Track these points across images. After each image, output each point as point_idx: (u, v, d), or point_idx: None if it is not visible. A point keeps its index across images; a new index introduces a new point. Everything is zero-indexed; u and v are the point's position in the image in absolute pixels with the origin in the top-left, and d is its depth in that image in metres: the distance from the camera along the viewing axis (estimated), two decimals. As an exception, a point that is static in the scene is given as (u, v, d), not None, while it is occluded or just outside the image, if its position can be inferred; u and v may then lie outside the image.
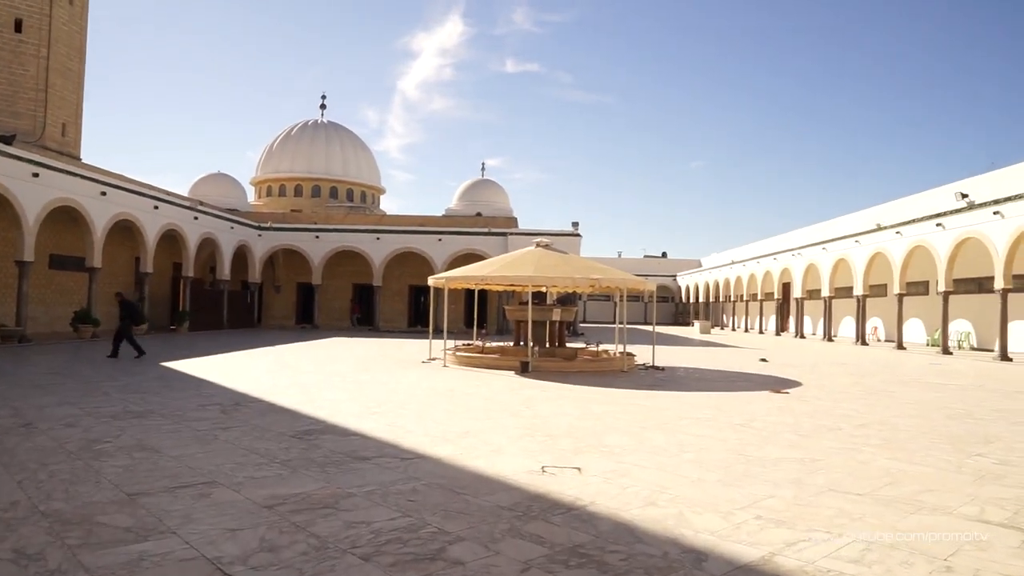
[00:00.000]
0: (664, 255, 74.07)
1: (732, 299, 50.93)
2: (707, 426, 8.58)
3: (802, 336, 37.58)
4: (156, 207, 27.20)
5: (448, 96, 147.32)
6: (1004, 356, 21.16)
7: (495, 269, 17.17)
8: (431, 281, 18.64)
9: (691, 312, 61.33)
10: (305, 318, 38.88)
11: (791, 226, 48.56)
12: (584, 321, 53.72)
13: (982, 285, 25.33)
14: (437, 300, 21.07)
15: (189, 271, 30.06)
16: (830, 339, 33.57)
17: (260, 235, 36.91)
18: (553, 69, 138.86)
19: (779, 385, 13.40)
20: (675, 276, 66.05)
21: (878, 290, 32.18)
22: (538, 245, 18.15)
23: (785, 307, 43.16)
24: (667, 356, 19.91)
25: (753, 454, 6.90)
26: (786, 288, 41.72)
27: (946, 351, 24.12)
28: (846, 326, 36.83)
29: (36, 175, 20.54)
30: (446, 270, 28.12)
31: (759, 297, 45.37)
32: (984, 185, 23.21)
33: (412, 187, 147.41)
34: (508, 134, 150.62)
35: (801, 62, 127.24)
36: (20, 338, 19.93)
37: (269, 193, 48.88)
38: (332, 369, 15.23)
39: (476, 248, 36.04)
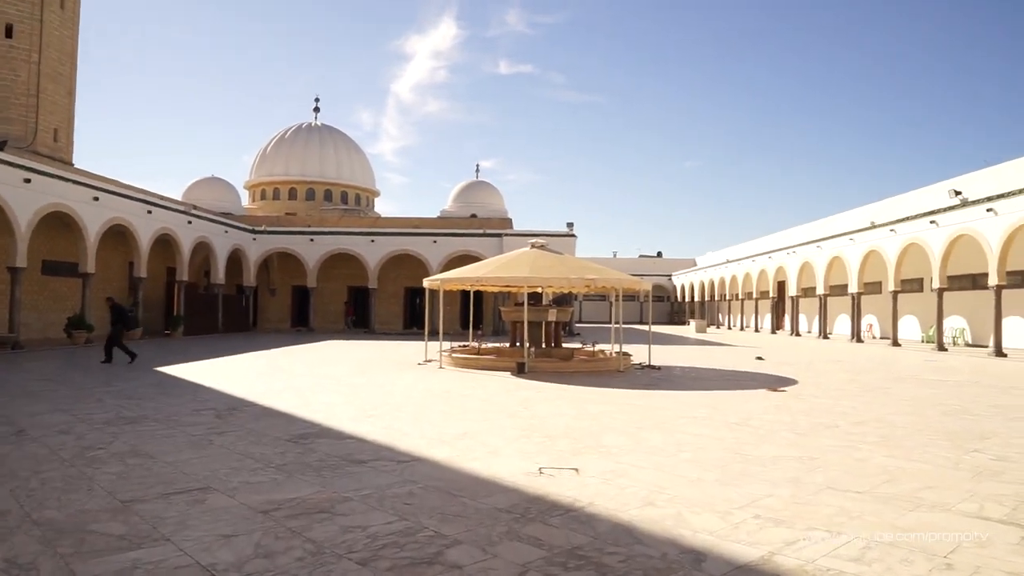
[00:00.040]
0: (659, 255, 74.19)
1: (728, 298, 51.00)
2: (704, 425, 8.56)
3: (798, 334, 37.64)
4: (149, 212, 27.09)
5: (442, 98, 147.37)
6: (999, 352, 21.22)
7: (490, 270, 17.14)
8: (426, 283, 18.59)
9: (687, 311, 61.38)
10: (300, 321, 38.79)
11: (786, 224, 48.69)
12: (580, 321, 53.70)
13: (976, 281, 25.41)
14: (432, 302, 21.00)
15: (183, 275, 29.95)
16: (825, 337, 33.63)
17: (254, 239, 36.81)
18: (546, 70, 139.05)
19: (776, 383, 13.39)
20: (670, 275, 66.10)
21: (873, 287, 32.25)
22: (533, 246, 18.13)
23: (780, 305, 43.22)
24: (663, 355, 19.89)
25: (751, 453, 6.88)
26: (781, 286, 41.79)
27: (941, 348, 24.18)
28: (841, 323, 36.91)
29: (28, 181, 20.44)
30: (441, 272, 28.08)
31: (754, 295, 45.43)
32: (977, 182, 23.29)
33: (407, 189, 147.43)
34: (502, 135, 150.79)
35: (795, 61, 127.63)
36: (13, 345, 19.82)
37: (263, 196, 48.78)
38: (327, 372, 15.17)
39: (471, 250, 36.00)
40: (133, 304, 26.87)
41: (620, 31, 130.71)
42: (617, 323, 19.44)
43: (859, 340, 30.60)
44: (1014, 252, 21.66)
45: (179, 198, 37.83)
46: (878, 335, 33.71)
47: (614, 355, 17.45)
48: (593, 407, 10.12)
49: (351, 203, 49.02)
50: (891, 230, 27.47)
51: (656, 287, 61.29)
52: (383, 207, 65.66)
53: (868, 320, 34.17)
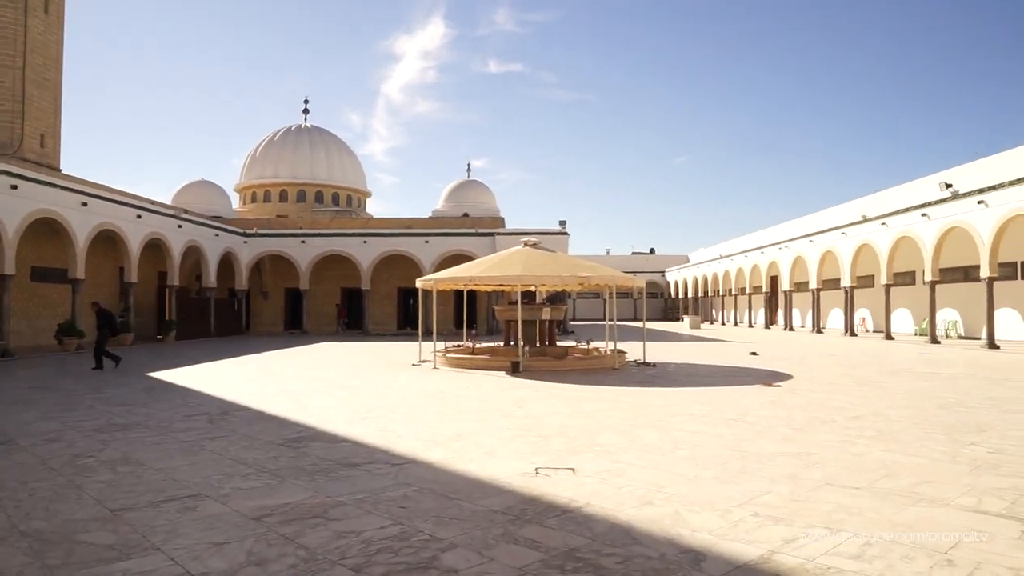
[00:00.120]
0: (652, 251, 74.20)
1: (721, 293, 51.08)
2: (700, 422, 8.52)
3: (791, 329, 37.71)
4: (139, 216, 26.92)
5: (432, 98, 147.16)
6: (991, 344, 21.28)
7: (483, 270, 17.08)
8: (419, 283, 18.52)
9: (680, 307, 61.47)
10: (294, 324, 38.63)
11: (778, 219, 48.81)
12: (574, 319, 53.67)
13: (968, 274, 25.49)
14: (426, 302, 20.95)
15: (174, 280, 29.77)
16: (819, 331, 33.70)
17: (246, 242, 36.64)
18: (536, 69, 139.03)
19: (770, 378, 13.39)
20: (663, 272, 66.16)
21: (865, 281, 32.34)
22: (526, 244, 18.07)
23: (773, 300, 43.31)
24: (658, 352, 19.88)
25: (748, 449, 6.85)
26: (774, 281, 41.87)
27: (934, 340, 24.24)
28: (834, 318, 37.00)
29: (15, 187, 20.26)
30: (434, 272, 27.98)
31: (747, 291, 45.52)
32: (968, 175, 23.33)
33: (398, 190, 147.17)
34: (493, 135, 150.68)
35: (785, 57, 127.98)
36: (3, 352, 19.63)
37: (254, 199, 48.55)
38: (321, 375, 15.08)
39: (464, 249, 35.91)
40: (124, 309, 26.68)
41: (609, 29, 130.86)
42: (611, 320, 19.42)
43: (852, 334, 30.67)
44: (1005, 244, 21.73)
45: (169, 202, 37.56)
46: (871, 329, 33.80)
47: (609, 353, 17.42)
48: (588, 405, 10.07)
49: (342, 204, 48.86)
50: (882, 223, 27.54)
51: (649, 284, 61.48)
52: (375, 208, 65.56)
53: (861, 314, 34.25)
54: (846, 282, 30.73)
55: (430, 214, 46.47)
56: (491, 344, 20.65)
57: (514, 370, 14.92)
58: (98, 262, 26.91)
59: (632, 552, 4.02)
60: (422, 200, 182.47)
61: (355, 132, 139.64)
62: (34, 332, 24.27)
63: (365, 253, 36.56)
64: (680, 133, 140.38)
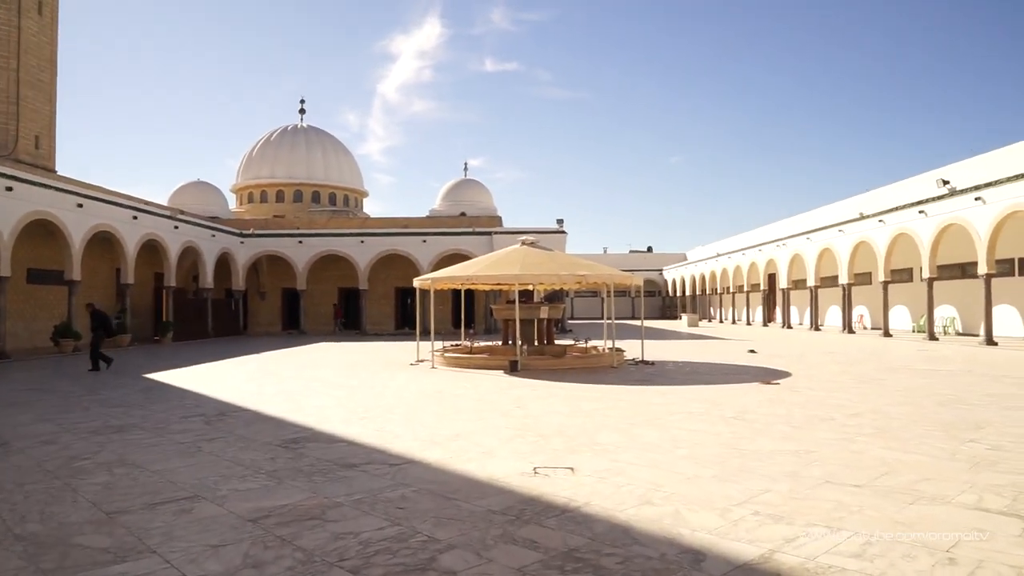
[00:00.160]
0: (649, 249, 74.19)
1: (719, 291, 51.09)
2: (699, 420, 8.50)
3: (789, 326, 37.72)
4: (135, 217, 26.84)
5: (428, 97, 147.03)
6: (989, 340, 21.28)
7: (481, 268, 17.04)
8: (417, 283, 18.48)
9: (678, 305, 61.45)
10: (291, 324, 38.57)
11: (775, 217, 48.76)
12: (572, 318, 53.66)
13: (966, 271, 25.50)
14: (424, 302, 20.91)
15: (171, 281, 29.68)
16: (817, 328, 33.71)
17: (242, 242, 36.56)
18: (532, 67, 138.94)
19: (769, 376, 13.37)
20: (661, 270, 66.16)
21: (863, 278, 32.34)
22: (523, 243, 18.05)
23: (771, 298, 43.31)
24: (656, 350, 19.85)
25: (747, 447, 6.82)
26: (772, 279, 41.88)
27: (932, 337, 24.25)
28: (832, 315, 37.01)
29: (10, 189, 20.17)
30: (432, 271, 27.93)
31: (745, 289, 45.52)
32: (965, 171, 23.33)
33: (395, 189, 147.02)
34: (489, 134, 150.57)
35: (779, 56, 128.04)
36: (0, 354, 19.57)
37: (250, 200, 48.46)
38: (318, 375, 15.04)
39: (461, 248, 35.87)
40: (121, 311, 26.61)
41: (604, 27, 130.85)
42: (609, 319, 19.39)
43: (850, 331, 30.68)
44: (1003, 240, 21.72)
45: (165, 203, 37.48)
46: (869, 326, 33.81)
47: (607, 351, 17.40)
48: (587, 404, 10.05)
49: (339, 204, 48.78)
50: (880, 220, 27.54)
51: (647, 282, 61.48)
52: (372, 207, 65.48)
53: (859, 311, 34.27)
54: (844, 279, 30.74)
55: (427, 213, 46.42)
56: (489, 343, 20.62)
57: (512, 369, 14.89)
58: (94, 264, 26.82)
59: (632, 552, 3.99)
60: (419, 200, 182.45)
61: (352, 132, 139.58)
62: (30, 334, 24.19)
63: (362, 253, 36.51)
64: (675, 132, 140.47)
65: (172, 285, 29.76)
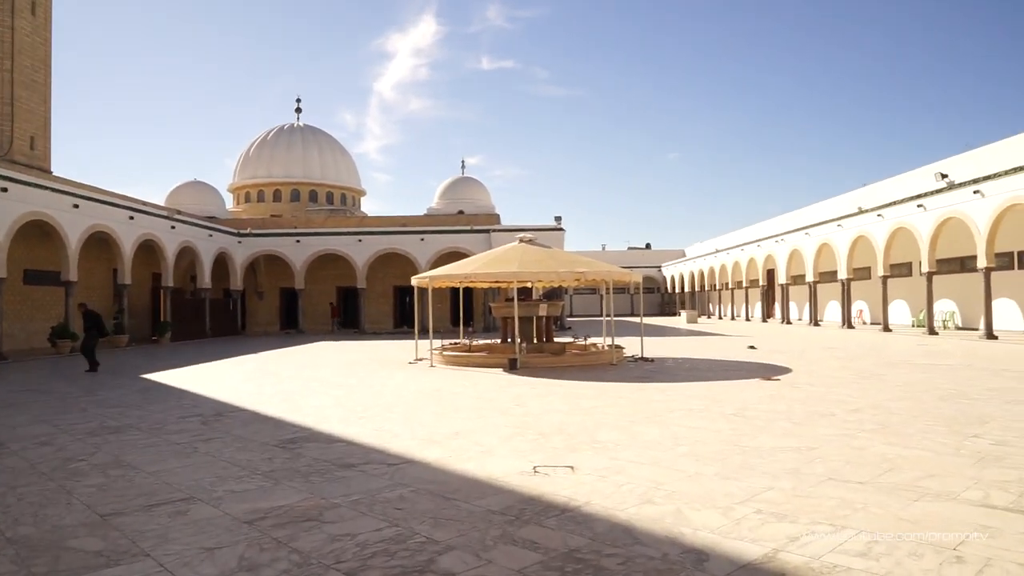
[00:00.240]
0: (648, 246, 74.12)
1: (718, 287, 51.06)
2: (700, 417, 8.44)
3: (788, 322, 37.69)
4: (132, 218, 26.72)
5: (425, 96, 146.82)
6: (989, 334, 21.25)
7: (479, 266, 16.97)
8: (415, 281, 18.40)
9: (677, 302, 61.41)
10: (290, 323, 38.50)
11: (772, 212, 48.77)
12: (571, 315, 53.62)
13: (965, 264, 25.46)
14: (422, 300, 20.81)
15: (169, 281, 29.57)
16: (816, 324, 33.67)
17: (240, 242, 36.46)
18: (528, 65, 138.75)
19: (769, 372, 13.31)
20: (660, 267, 66.12)
21: (862, 273, 32.29)
22: (521, 241, 17.98)
23: (770, 293, 43.27)
24: (655, 347, 19.80)
25: (748, 444, 6.76)
26: (771, 274, 41.84)
27: (932, 331, 24.22)
28: (831, 310, 36.96)
29: (5, 189, 20.07)
30: (430, 269, 27.87)
31: (744, 284, 45.47)
32: (963, 165, 23.28)
33: (393, 188, 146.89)
34: (486, 131, 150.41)
35: (775, 52, 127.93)
36: (-4, 356, 19.48)
37: (248, 199, 48.37)
38: (316, 374, 14.97)
39: (459, 246, 35.79)
40: (119, 311, 26.52)
41: (600, 24, 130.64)
42: (608, 316, 19.33)
43: (850, 326, 30.65)
44: (1002, 234, 21.68)
45: (162, 203, 37.37)
46: (868, 321, 33.77)
47: (606, 348, 17.35)
48: (587, 402, 9.99)
49: (337, 203, 48.69)
50: (878, 215, 27.48)
51: (646, 279, 61.38)
52: (369, 206, 65.38)
53: (858, 306, 34.22)
54: (843, 274, 30.69)
55: (425, 212, 46.34)
56: (488, 341, 20.55)
57: (511, 367, 14.83)
58: (91, 264, 26.72)
59: (633, 552, 3.93)
60: (417, 198, 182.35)
61: (348, 131, 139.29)
62: (27, 335, 24.10)
63: (360, 252, 36.43)
64: (672, 129, 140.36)
65: (169, 285, 29.65)
